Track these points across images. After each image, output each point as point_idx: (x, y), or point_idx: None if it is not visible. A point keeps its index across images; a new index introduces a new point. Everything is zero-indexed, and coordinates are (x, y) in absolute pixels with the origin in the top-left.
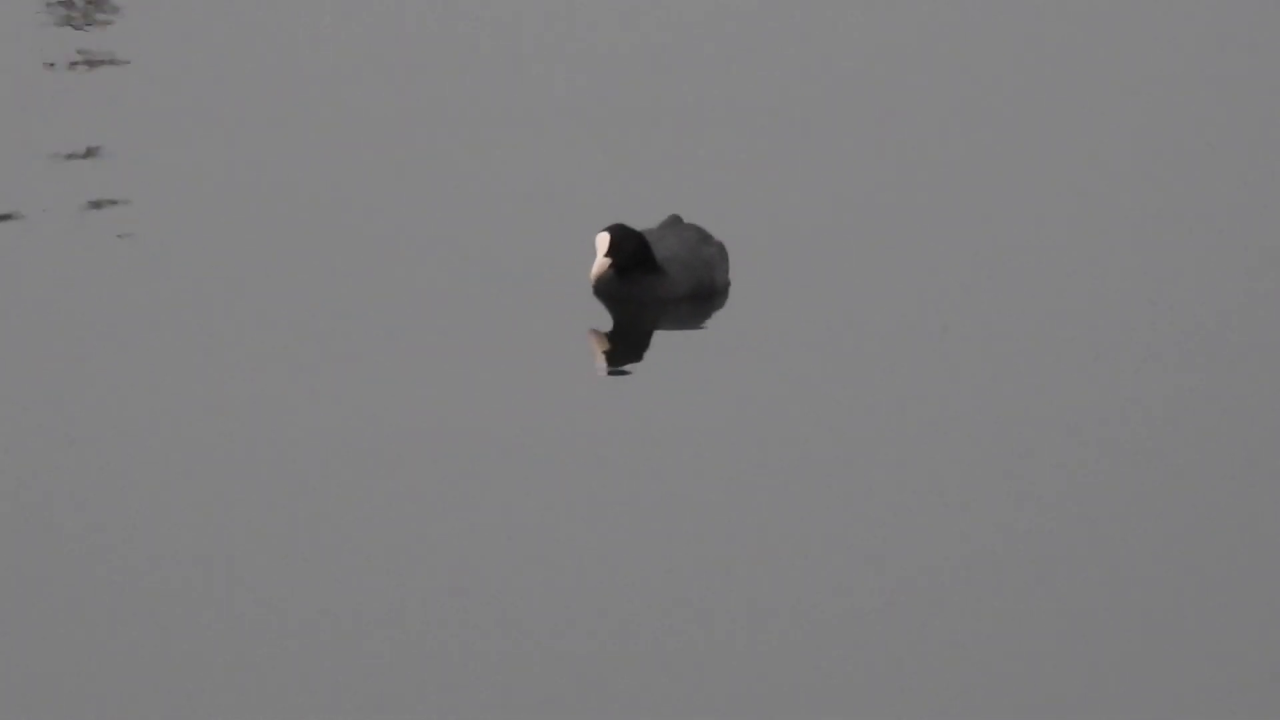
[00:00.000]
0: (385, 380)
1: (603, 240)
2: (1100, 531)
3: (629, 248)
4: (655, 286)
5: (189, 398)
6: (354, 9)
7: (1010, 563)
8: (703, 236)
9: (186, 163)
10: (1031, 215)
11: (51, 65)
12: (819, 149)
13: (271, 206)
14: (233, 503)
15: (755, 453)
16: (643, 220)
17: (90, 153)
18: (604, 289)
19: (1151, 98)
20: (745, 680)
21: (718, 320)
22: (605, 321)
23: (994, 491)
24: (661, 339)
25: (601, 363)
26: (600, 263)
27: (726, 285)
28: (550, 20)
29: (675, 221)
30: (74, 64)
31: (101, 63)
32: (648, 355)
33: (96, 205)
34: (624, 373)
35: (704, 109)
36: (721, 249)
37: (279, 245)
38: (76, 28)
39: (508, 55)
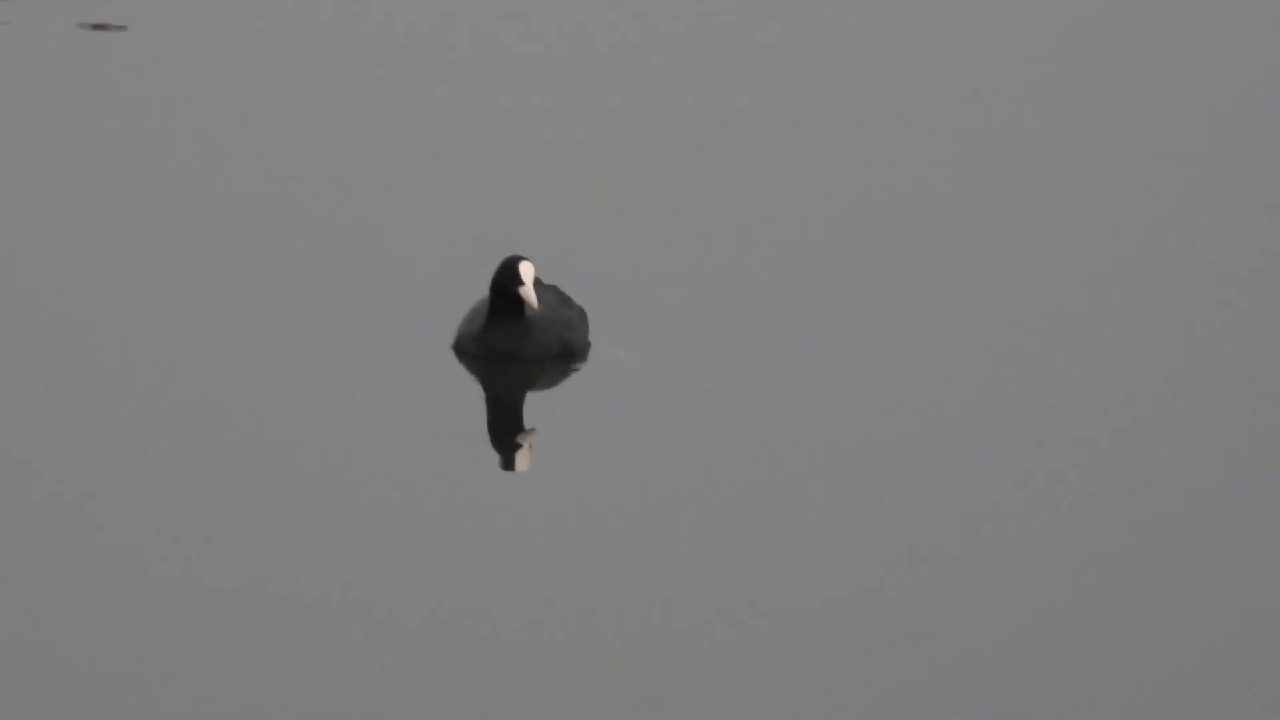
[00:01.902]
0: (273, 469)
1: (528, 269)
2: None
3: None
4: (524, 345)
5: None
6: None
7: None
8: (562, 298)
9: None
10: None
11: None
12: (685, 208)
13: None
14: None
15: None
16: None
17: None
18: (468, 347)
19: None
20: None
21: (583, 382)
22: (469, 380)
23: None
24: (536, 401)
25: (526, 463)
26: (532, 290)
27: (586, 348)
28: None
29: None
30: None
31: None
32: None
33: None
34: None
35: (570, 165)
36: (581, 312)
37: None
38: None
39: (382, 104)
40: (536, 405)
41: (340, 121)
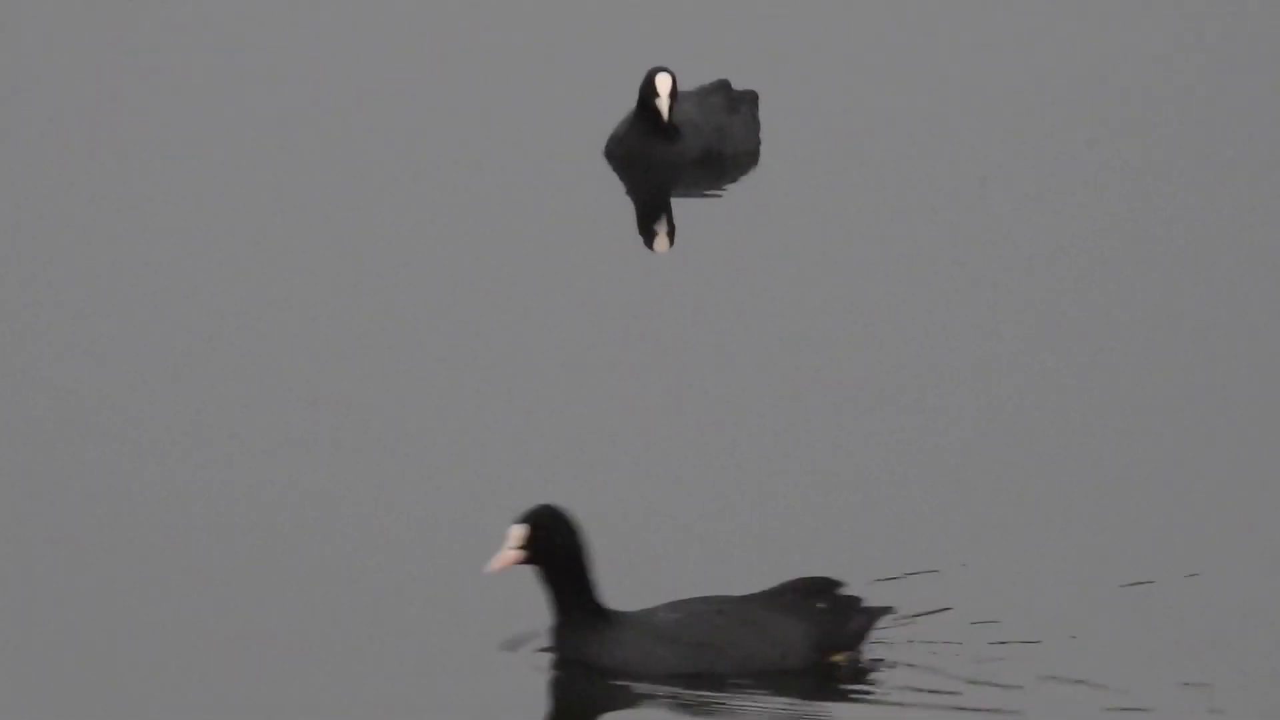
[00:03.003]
0: (424, 260)
1: (665, 81)
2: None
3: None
4: (665, 150)
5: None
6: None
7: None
8: (731, 105)
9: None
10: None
11: None
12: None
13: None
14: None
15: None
16: (690, 81)
17: None
18: (615, 150)
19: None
20: None
21: (729, 188)
22: (616, 184)
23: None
24: (680, 207)
25: (664, 246)
26: (666, 101)
27: (746, 153)
28: None
29: (720, 87)
30: None
31: None
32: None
33: None
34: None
35: None
36: (751, 118)
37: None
38: None
39: None
40: (679, 206)
41: None
